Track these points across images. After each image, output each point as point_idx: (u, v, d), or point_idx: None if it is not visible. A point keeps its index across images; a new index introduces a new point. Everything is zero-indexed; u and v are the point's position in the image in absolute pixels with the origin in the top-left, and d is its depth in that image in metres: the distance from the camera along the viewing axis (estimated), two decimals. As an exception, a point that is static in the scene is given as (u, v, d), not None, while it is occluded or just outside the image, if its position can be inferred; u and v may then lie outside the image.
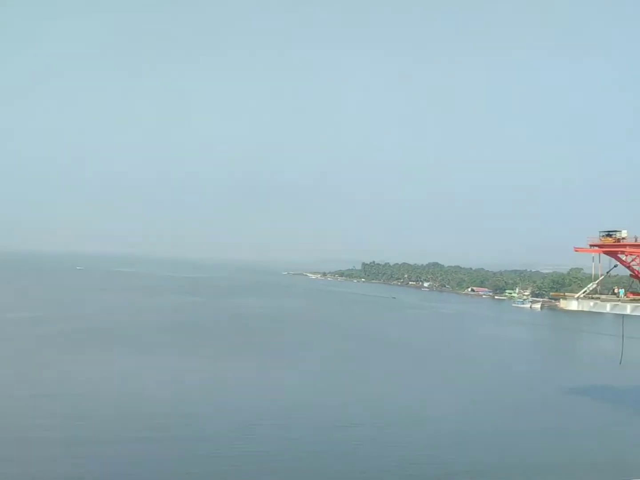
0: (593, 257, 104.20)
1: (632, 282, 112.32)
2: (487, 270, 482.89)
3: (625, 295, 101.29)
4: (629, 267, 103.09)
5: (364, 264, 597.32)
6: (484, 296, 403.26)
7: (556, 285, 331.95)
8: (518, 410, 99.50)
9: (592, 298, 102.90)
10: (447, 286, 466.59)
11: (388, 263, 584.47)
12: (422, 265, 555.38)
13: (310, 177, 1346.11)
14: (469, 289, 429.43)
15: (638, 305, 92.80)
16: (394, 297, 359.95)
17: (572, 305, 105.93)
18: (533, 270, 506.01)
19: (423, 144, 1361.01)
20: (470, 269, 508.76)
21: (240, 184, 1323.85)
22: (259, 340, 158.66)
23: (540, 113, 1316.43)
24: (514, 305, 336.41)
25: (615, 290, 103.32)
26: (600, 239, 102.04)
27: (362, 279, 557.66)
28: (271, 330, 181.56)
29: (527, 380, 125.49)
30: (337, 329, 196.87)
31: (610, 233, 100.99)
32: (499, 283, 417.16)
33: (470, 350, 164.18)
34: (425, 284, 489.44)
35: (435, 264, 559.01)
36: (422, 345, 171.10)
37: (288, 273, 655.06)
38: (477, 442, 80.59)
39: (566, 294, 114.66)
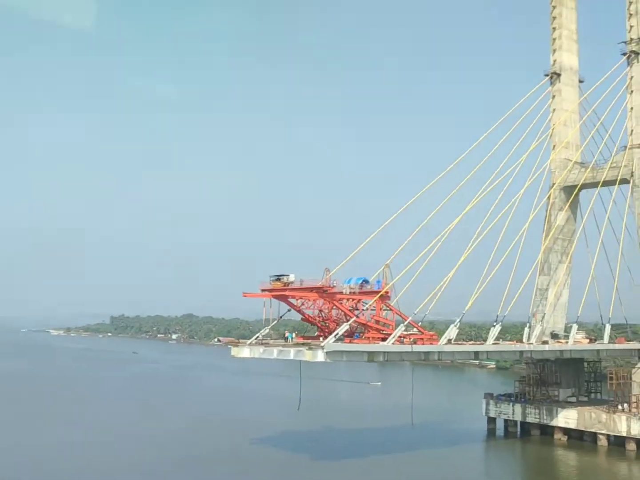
0: (264, 302, 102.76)
1: (308, 326, 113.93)
2: (242, 320, 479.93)
3: (294, 339, 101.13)
4: (299, 311, 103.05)
5: (112, 318, 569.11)
6: (229, 346, 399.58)
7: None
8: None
9: (263, 344, 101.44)
10: (195, 337, 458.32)
11: (139, 315, 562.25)
12: (176, 317, 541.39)
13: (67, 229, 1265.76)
14: (216, 339, 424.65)
15: (300, 350, 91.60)
16: (135, 352, 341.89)
17: (244, 352, 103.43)
18: (287, 318, 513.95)
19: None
20: (223, 318, 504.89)
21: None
22: None
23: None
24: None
25: (286, 335, 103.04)
26: (271, 283, 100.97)
27: (109, 334, 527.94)
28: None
29: (215, 431, 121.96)
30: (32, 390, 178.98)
31: (280, 277, 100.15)
32: (245, 332, 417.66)
33: (171, 402, 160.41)
34: (174, 336, 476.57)
35: (190, 315, 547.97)
36: (126, 402, 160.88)
37: (28, 330, 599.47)
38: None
39: (240, 340, 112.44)
